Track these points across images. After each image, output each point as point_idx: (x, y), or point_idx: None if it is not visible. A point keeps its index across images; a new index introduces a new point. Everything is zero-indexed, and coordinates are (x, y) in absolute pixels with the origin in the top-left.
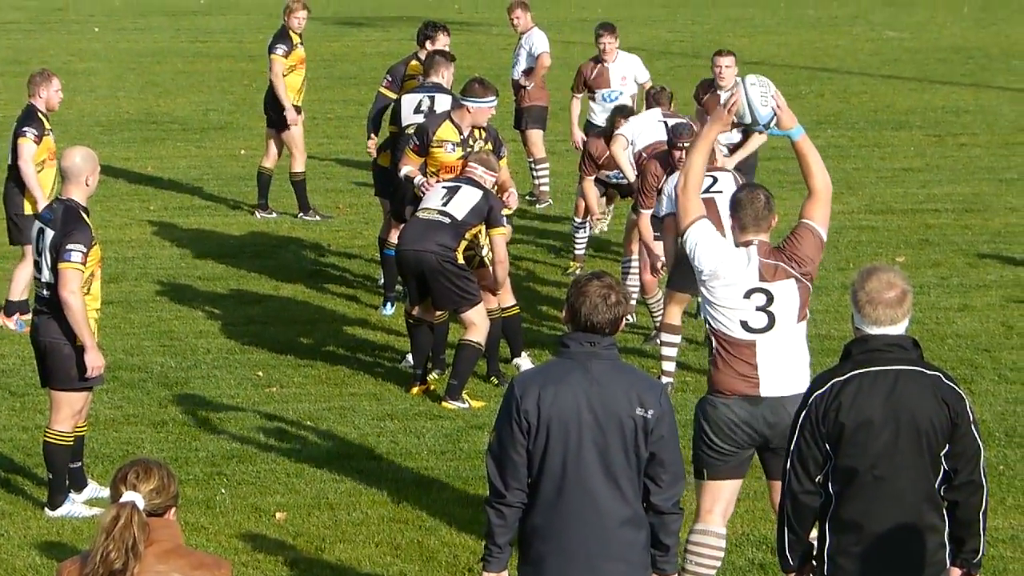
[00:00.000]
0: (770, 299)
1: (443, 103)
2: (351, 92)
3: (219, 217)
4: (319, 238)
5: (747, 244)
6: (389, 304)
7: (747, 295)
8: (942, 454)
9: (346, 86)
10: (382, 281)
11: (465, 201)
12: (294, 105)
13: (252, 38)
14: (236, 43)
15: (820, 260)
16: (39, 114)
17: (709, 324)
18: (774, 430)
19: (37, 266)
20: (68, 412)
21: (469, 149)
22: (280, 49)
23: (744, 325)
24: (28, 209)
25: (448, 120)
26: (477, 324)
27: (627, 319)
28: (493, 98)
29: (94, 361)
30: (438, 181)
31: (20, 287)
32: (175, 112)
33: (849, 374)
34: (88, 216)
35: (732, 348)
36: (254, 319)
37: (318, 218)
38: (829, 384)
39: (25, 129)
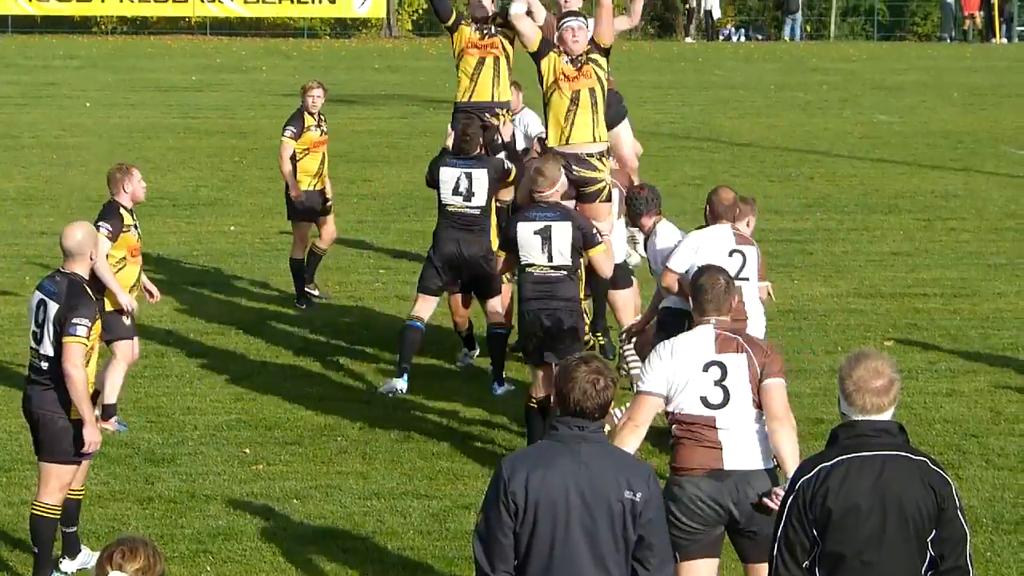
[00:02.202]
0: (724, 373)
1: (480, 176)
2: (341, 170)
3: (207, 293)
4: (307, 315)
5: (705, 323)
6: (405, 377)
7: (704, 368)
8: (929, 540)
9: (336, 163)
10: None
11: (563, 242)
12: (316, 190)
13: (243, 115)
14: (227, 119)
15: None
16: (121, 210)
17: (668, 411)
18: (740, 508)
19: (35, 336)
20: (57, 484)
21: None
22: (288, 131)
23: (703, 401)
24: (108, 306)
25: None
26: None
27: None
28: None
29: (92, 436)
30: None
31: (116, 390)
32: (165, 188)
33: (836, 459)
34: (91, 291)
35: (693, 427)
36: (241, 396)
37: (316, 293)
38: (816, 469)
39: (100, 224)
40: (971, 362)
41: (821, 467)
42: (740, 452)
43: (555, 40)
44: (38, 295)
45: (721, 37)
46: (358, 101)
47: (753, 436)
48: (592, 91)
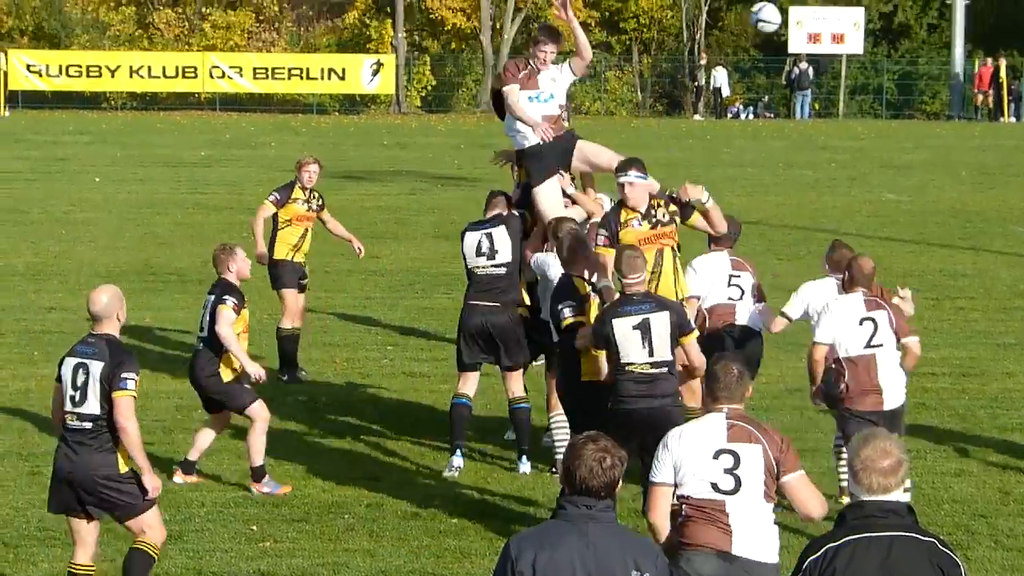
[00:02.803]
0: (737, 462)
1: (500, 234)
2: (349, 246)
3: None
4: (314, 391)
5: (717, 411)
6: (459, 453)
7: (715, 456)
8: None
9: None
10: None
11: (662, 337)
12: (292, 261)
13: (251, 191)
14: (235, 195)
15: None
16: (235, 287)
17: (677, 495)
18: None
19: (74, 400)
20: (158, 522)
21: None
22: (272, 195)
23: (714, 487)
24: (228, 375)
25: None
26: None
27: None
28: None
29: (153, 482)
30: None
31: (261, 453)
32: (174, 263)
33: (843, 539)
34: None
35: (704, 508)
36: (248, 472)
37: (303, 374)
38: (823, 549)
39: (226, 298)
40: (980, 442)
41: (828, 547)
42: (749, 540)
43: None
44: (73, 360)
45: (730, 114)
46: (366, 177)
47: (763, 527)
48: (673, 250)
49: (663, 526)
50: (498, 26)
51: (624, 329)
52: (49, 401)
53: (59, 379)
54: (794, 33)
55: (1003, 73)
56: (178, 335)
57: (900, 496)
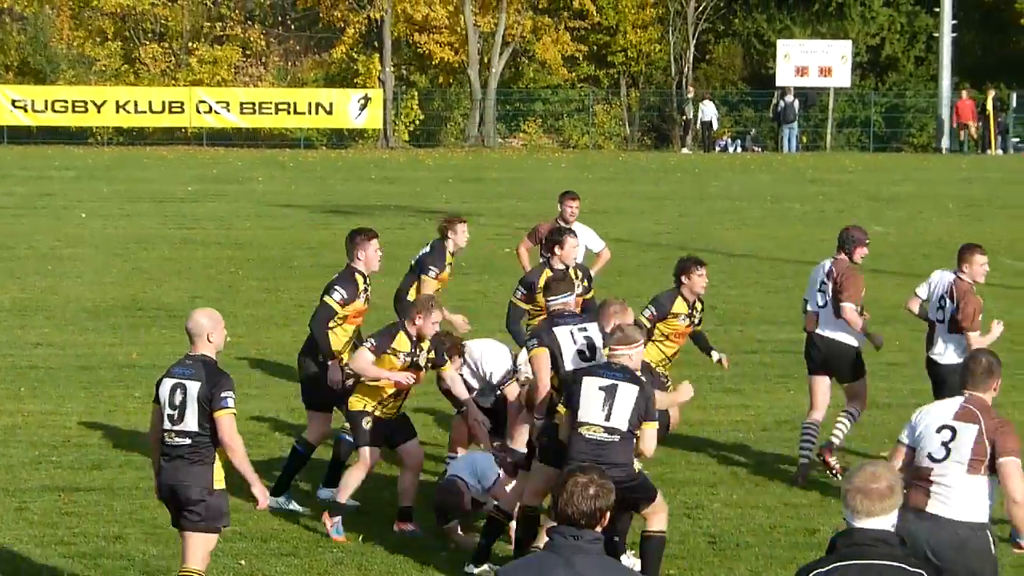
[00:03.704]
0: (953, 436)
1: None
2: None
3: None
4: (303, 427)
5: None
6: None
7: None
8: None
9: (331, 274)
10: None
11: (624, 405)
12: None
13: (239, 225)
14: (223, 230)
15: None
16: (402, 334)
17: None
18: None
19: (172, 419)
20: (204, 552)
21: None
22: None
23: (929, 456)
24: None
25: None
26: (659, 512)
27: None
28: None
29: (262, 493)
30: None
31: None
32: (161, 298)
33: (831, 566)
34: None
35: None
36: (238, 507)
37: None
38: (811, 575)
39: (369, 338)
40: None
41: (816, 572)
42: (947, 502)
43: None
44: (171, 381)
45: (718, 148)
46: (354, 212)
47: (964, 493)
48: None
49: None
50: (486, 60)
51: (594, 390)
52: (36, 435)
53: (157, 400)
54: (781, 66)
55: (990, 106)
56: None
57: (890, 523)
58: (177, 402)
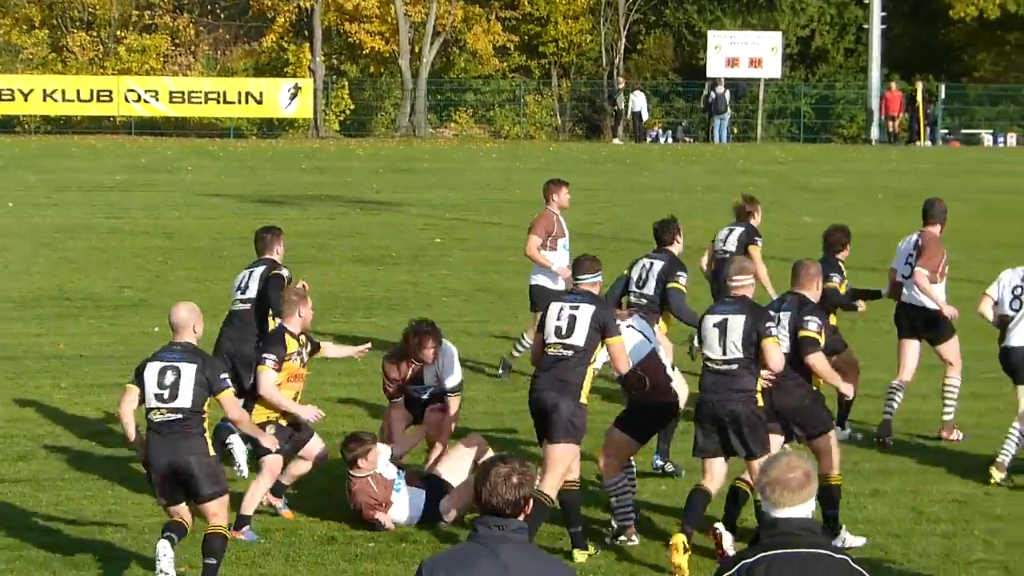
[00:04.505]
0: None
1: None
2: None
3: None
4: None
5: None
6: None
7: None
8: None
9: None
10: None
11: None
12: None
13: (168, 215)
14: (152, 220)
15: None
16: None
17: None
18: None
19: (161, 397)
20: (224, 512)
21: None
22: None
23: None
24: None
25: None
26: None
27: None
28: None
29: (271, 442)
30: None
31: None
32: (89, 288)
33: (757, 556)
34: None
35: None
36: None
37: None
38: (738, 566)
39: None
40: (894, 462)
41: (743, 563)
42: None
43: None
44: (158, 363)
45: (649, 139)
46: (285, 202)
47: None
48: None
49: None
50: (417, 50)
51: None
52: None
53: (138, 383)
54: (712, 57)
55: (919, 97)
56: (92, 362)
57: (809, 511)
58: (168, 382)
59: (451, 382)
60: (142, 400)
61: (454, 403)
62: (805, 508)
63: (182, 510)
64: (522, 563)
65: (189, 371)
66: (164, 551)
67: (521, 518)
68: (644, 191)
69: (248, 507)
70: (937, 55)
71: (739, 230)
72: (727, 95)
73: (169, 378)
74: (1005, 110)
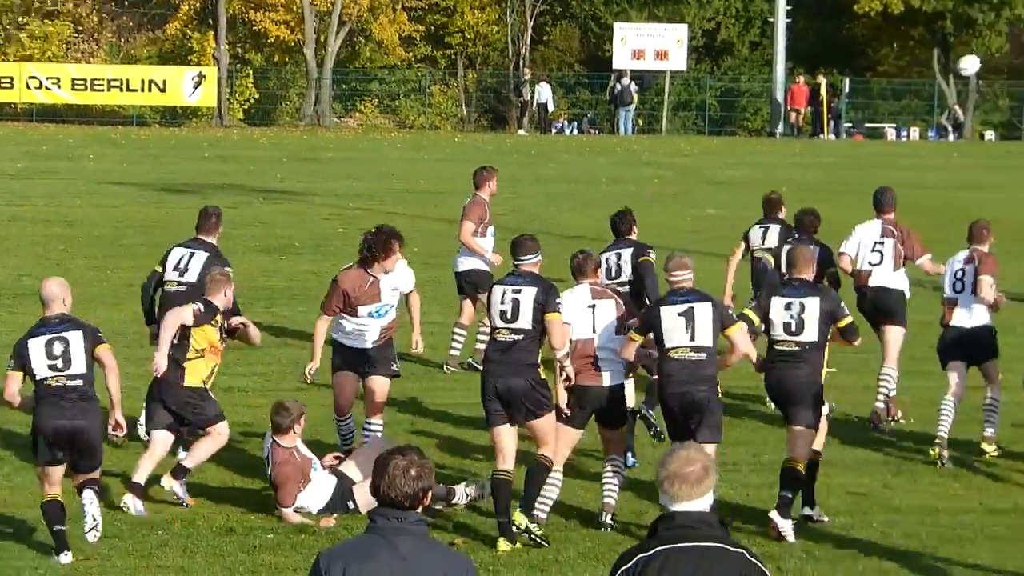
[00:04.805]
0: None
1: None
2: None
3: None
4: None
5: None
6: None
7: None
8: None
9: (162, 253)
10: None
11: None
12: None
13: (69, 203)
14: (53, 207)
15: None
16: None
17: None
18: None
19: (55, 368)
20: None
21: None
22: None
23: None
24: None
25: None
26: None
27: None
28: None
29: (120, 420)
30: None
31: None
32: None
33: (654, 550)
34: None
35: None
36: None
37: None
38: (634, 560)
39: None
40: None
41: (639, 557)
42: None
43: None
44: (41, 339)
45: (554, 130)
46: (188, 190)
47: None
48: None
49: None
50: (322, 39)
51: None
52: None
53: (20, 365)
54: (618, 49)
55: (823, 91)
56: None
57: (707, 504)
58: (58, 352)
59: (409, 284)
60: (27, 378)
61: (416, 301)
62: (703, 502)
63: (56, 477)
64: (420, 555)
65: (76, 338)
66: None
67: (420, 510)
68: (549, 182)
69: (140, 475)
70: (841, 49)
71: (776, 227)
72: (633, 87)
73: (58, 348)
74: (908, 104)
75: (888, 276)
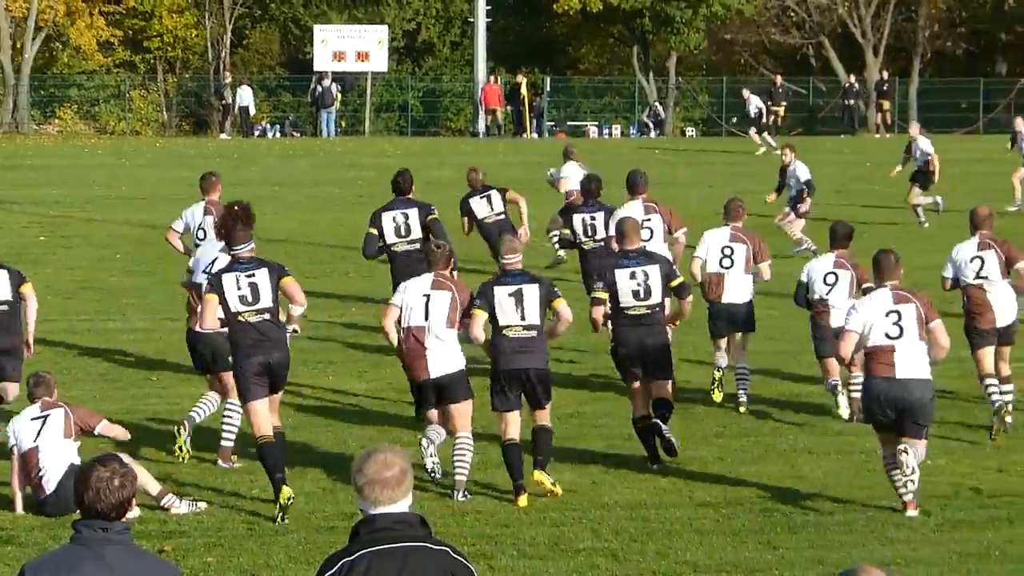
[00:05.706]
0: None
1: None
2: None
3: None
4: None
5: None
6: None
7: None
8: None
9: None
10: None
11: (533, 303)
12: None
13: None
14: None
15: None
16: None
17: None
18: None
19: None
20: None
21: None
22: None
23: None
24: None
25: None
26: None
27: None
28: None
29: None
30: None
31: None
32: None
33: (357, 554)
34: None
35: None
36: None
37: None
38: (339, 564)
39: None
40: (498, 454)
41: (344, 561)
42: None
43: None
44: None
45: (256, 133)
46: None
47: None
48: None
49: None
50: (18, 45)
51: (506, 297)
52: None
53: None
54: (319, 51)
55: (524, 90)
56: None
57: (407, 506)
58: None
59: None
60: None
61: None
62: (403, 503)
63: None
64: (127, 564)
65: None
66: None
67: (125, 519)
68: (252, 185)
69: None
70: (542, 48)
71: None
72: (334, 89)
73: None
74: (609, 102)
75: (659, 247)
